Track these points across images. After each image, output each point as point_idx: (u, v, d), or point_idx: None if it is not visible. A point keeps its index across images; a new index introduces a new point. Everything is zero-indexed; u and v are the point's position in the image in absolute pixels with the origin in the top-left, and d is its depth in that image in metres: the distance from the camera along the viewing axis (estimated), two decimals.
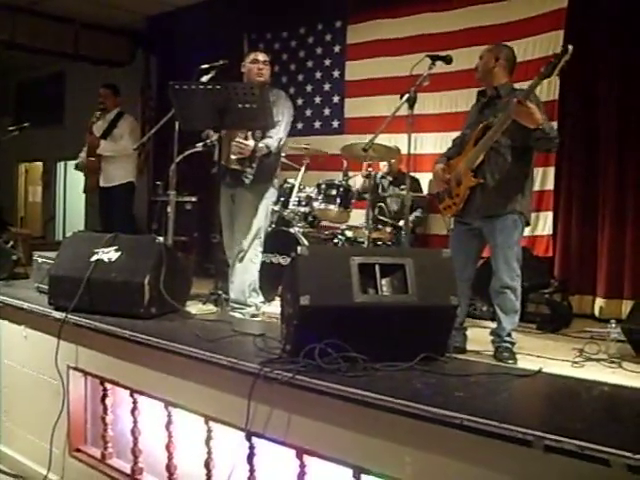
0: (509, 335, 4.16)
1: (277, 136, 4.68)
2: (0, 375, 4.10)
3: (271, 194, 4.92)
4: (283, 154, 5.16)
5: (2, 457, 3.95)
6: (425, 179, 6.68)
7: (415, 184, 6.44)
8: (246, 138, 4.58)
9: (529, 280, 5.64)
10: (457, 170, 4.23)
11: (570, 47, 3.79)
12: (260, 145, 4.60)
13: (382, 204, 6.25)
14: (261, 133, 4.68)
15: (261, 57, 4.84)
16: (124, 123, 6.92)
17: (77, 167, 7.08)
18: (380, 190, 5.70)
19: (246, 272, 4.77)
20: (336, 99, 7.97)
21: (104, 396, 3.49)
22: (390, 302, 2.67)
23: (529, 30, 6.35)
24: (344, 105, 7.89)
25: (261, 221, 4.81)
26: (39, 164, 13.98)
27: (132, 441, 3.32)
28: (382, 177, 6.74)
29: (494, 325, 4.38)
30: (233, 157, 4.62)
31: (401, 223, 6.25)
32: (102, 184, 6.93)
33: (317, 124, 8.09)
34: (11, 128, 5.88)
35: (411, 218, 5.98)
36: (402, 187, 6.17)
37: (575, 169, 6.16)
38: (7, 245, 5.25)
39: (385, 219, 6.24)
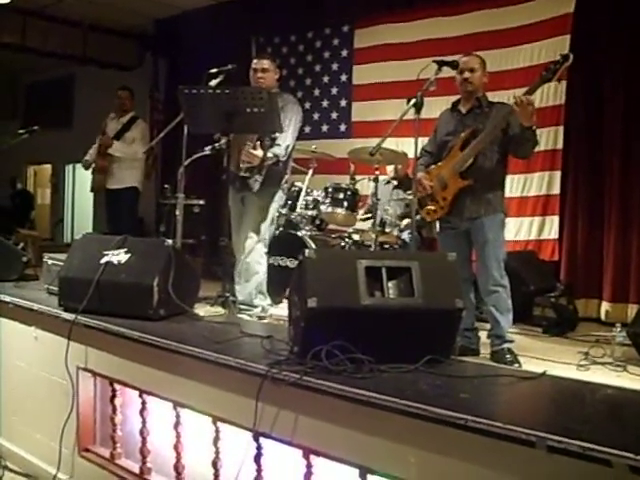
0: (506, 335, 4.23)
1: (284, 144, 4.71)
2: (10, 375, 4.14)
3: (279, 198, 4.96)
4: (292, 158, 5.17)
5: (12, 456, 3.97)
6: None
7: None
8: (254, 148, 4.60)
9: (535, 284, 5.69)
10: (441, 175, 4.38)
11: (571, 55, 3.99)
12: (269, 155, 4.63)
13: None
14: (270, 141, 4.71)
15: (258, 65, 4.85)
16: (137, 127, 7.03)
17: (83, 165, 7.15)
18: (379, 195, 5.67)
19: (253, 274, 4.81)
20: (343, 103, 8.01)
21: (113, 397, 3.52)
22: (396, 305, 2.69)
23: (536, 35, 6.38)
24: (351, 109, 7.94)
25: (267, 225, 4.85)
26: (48, 167, 14.07)
27: (141, 441, 3.34)
28: (387, 182, 6.73)
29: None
30: (242, 166, 4.67)
31: (404, 223, 6.27)
32: (109, 186, 7.00)
33: (324, 128, 8.13)
34: (21, 131, 5.89)
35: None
36: (408, 192, 6.18)
37: (581, 174, 6.19)
38: (17, 247, 5.28)
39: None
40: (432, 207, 4.42)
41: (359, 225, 6.42)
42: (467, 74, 4.33)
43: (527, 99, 3.93)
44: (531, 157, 4.56)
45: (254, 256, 4.81)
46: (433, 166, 4.49)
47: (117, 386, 3.49)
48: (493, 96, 4.59)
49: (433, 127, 4.67)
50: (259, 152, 4.59)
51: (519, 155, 4.36)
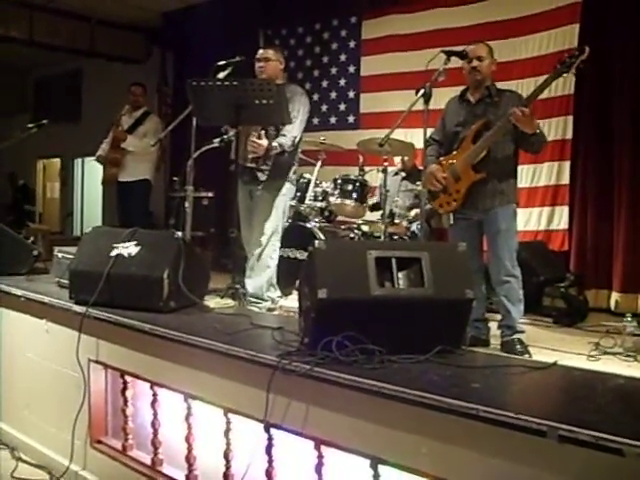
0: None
1: (291, 134, 4.70)
2: (22, 368, 4.16)
3: (288, 190, 4.95)
4: (299, 149, 5.16)
5: (25, 448, 4.00)
6: None
7: None
8: (259, 137, 4.60)
9: (545, 274, 5.68)
10: (453, 167, 4.35)
11: (587, 48, 3.94)
12: (274, 144, 4.63)
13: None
14: (275, 131, 4.71)
15: (260, 54, 4.85)
16: (150, 122, 7.10)
17: (97, 159, 7.18)
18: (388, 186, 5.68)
19: (264, 268, 4.81)
20: (351, 94, 8.00)
21: (124, 389, 3.53)
22: (406, 295, 2.69)
23: (545, 24, 6.35)
24: (359, 100, 7.93)
25: (278, 218, 4.85)
26: (57, 160, 14.10)
27: (152, 433, 3.36)
28: (395, 173, 6.71)
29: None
30: (248, 156, 4.67)
31: (413, 214, 6.26)
32: (121, 179, 7.03)
33: (333, 119, 8.12)
34: (30, 125, 5.91)
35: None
36: (417, 183, 6.16)
37: (590, 163, 6.16)
38: (27, 241, 5.30)
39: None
40: (446, 199, 4.41)
41: (368, 216, 6.41)
42: (475, 62, 4.32)
43: (522, 111, 3.93)
44: (541, 152, 4.56)
45: (267, 250, 4.81)
46: (443, 157, 4.46)
47: (128, 378, 3.50)
48: (501, 86, 4.56)
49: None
50: (264, 141, 4.59)
51: (530, 152, 4.39)
